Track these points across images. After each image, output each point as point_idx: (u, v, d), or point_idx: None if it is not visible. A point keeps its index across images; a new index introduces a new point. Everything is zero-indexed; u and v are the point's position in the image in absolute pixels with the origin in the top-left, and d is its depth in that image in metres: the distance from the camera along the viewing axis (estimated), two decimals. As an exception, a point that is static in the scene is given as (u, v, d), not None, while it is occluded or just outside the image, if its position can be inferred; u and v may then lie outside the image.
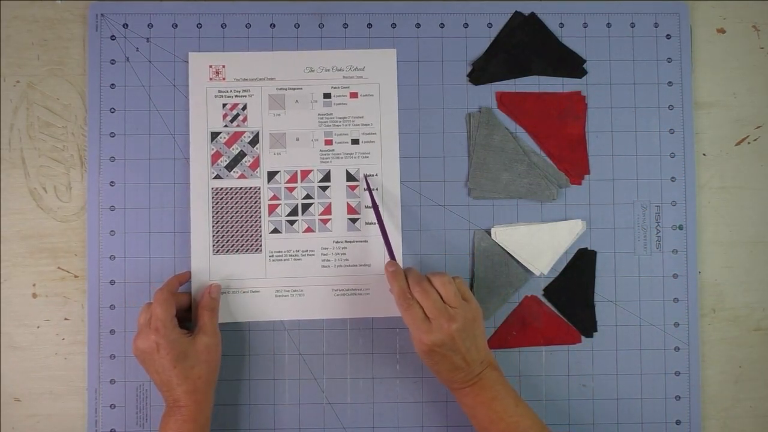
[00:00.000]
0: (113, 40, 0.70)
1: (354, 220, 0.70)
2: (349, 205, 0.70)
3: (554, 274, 0.71)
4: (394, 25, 0.71)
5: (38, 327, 0.70)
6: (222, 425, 0.68)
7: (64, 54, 0.71)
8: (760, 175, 0.73)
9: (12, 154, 0.70)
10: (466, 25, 0.72)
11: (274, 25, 0.71)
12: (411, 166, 0.71)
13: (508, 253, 0.70)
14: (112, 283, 0.69)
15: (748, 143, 0.73)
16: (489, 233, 0.70)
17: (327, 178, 0.70)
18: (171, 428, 0.61)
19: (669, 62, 0.72)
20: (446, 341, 0.58)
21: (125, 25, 0.70)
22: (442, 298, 0.60)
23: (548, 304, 0.71)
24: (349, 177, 0.70)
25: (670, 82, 0.72)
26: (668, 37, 0.72)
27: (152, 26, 0.70)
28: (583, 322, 0.70)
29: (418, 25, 0.72)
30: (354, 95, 0.71)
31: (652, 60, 0.72)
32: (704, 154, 0.73)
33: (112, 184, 0.70)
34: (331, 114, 0.71)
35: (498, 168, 0.70)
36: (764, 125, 0.73)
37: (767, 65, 0.73)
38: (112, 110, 0.70)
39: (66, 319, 0.70)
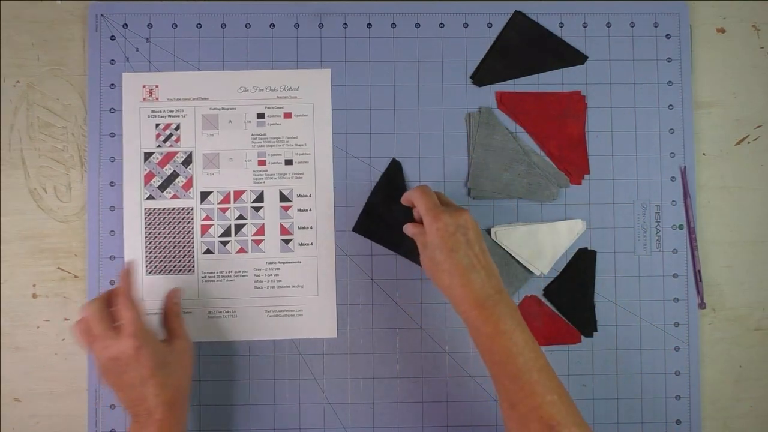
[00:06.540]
0: (113, 40, 0.70)
1: (287, 241, 0.69)
2: (282, 226, 0.69)
3: (554, 274, 0.71)
4: (393, 25, 0.71)
5: (38, 327, 0.70)
6: (222, 425, 0.69)
7: (64, 54, 0.71)
8: (760, 175, 0.73)
9: (12, 155, 0.70)
10: (466, 25, 0.72)
11: (274, 25, 0.71)
12: (411, 166, 0.71)
13: (508, 253, 0.70)
14: (112, 283, 0.69)
15: (748, 143, 0.73)
16: (489, 233, 0.70)
17: (260, 198, 0.70)
18: None
19: (669, 62, 0.72)
20: (461, 222, 0.57)
21: (125, 26, 0.70)
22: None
23: (548, 304, 0.71)
24: (283, 198, 0.70)
25: (670, 82, 0.72)
26: (668, 36, 0.72)
27: (152, 26, 0.70)
28: (583, 322, 0.70)
29: (417, 25, 0.72)
30: (288, 115, 0.70)
31: (652, 60, 0.72)
32: (704, 154, 0.73)
33: (112, 184, 0.70)
34: (265, 134, 0.70)
35: (498, 168, 0.70)
36: (764, 125, 0.73)
37: (767, 65, 0.73)
38: (112, 110, 0.70)
39: (66, 319, 0.70)
